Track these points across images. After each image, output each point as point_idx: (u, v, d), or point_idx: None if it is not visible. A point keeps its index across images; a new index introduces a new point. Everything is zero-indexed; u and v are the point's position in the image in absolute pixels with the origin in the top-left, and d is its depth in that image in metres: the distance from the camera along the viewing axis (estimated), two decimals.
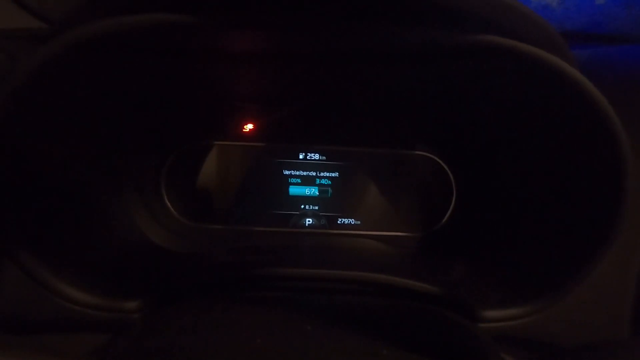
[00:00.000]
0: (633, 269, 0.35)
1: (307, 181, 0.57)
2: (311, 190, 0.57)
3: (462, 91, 0.42)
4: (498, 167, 0.47)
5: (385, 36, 0.28)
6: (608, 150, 0.29)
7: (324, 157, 0.57)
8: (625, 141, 0.29)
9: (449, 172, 0.56)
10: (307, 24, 0.27)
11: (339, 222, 0.57)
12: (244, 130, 0.55)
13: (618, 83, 0.36)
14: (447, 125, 0.54)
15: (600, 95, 0.28)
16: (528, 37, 0.27)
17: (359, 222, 0.57)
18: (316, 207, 0.57)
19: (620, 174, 0.29)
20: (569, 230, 0.35)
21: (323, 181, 0.57)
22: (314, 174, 0.57)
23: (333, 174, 0.57)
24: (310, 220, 0.56)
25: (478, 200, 0.52)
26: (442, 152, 0.56)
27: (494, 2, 0.25)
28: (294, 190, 0.56)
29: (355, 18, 0.26)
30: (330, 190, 0.57)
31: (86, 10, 0.26)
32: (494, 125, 0.45)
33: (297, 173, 0.56)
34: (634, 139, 0.29)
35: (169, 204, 0.54)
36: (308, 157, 0.56)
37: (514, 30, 0.27)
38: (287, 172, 0.56)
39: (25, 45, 0.38)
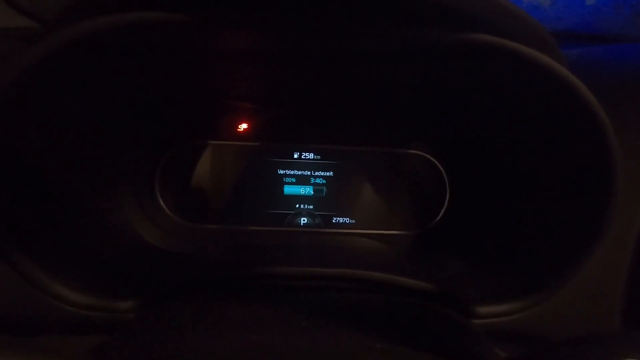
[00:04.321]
0: (623, 263, 0.35)
1: (302, 180, 0.57)
2: (306, 190, 0.57)
3: (454, 90, 0.42)
4: (490, 166, 0.48)
5: (375, 35, 0.28)
6: (597, 148, 0.30)
7: (319, 157, 0.57)
8: (614, 139, 0.29)
9: (443, 170, 0.57)
10: (301, 25, 0.27)
11: (333, 221, 0.57)
12: (238, 129, 0.55)
13: (607, 82, 0.37)
14: (440, 124, 0.54)
15: (589, 94, 0.29)
16: (518, 36, 0.28)
17: (353, 221, 0.57)
18: (311, 206, 0.57)
19: (609, 172, 0.30)
20: (560, 227, 0.36)
21: (318, 180, 0.57)
22: (309, 173, 0.57)
23: (328, 173, 0.57)
24: (305, 219, 0.56)
25: (471, 198, 0.52)
26: (435, 150, 0.57)
27: (484, 2, 0.26)
28: (288, 189, 0.57)
29: (347, 18, 0.26)
30: (325, 189, 0.57)
31: (78, 9, 0.26)
32: (486, 124, 0.45)
33: (292, 172, 0.57)
34: (623, 137, 0.30)
35: (163, 203, 0.54)
36: (303, 157, 0.57)
37: (504, 29, 0.27)
38: (281, 172, 0.56)
39: (16, 44, 0.38)
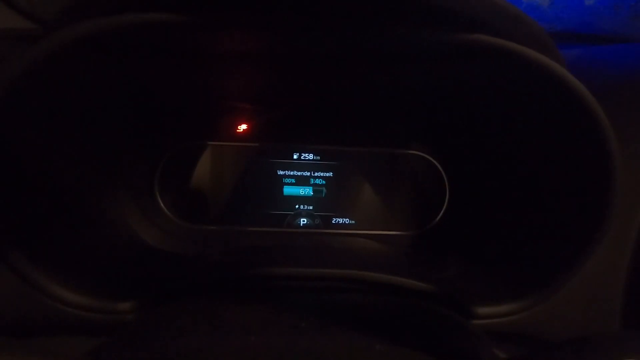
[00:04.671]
0: (622, 264, 0.35)
1: (302, 181, 0.57)
2: (305, 190, 0.57)
3: (454, 91, 0.42)
4: (490, 166, 0.48)
5: (375, 37, 0.28)
6: (596, 148, 0.30)
7: (318, 157, 0.57)
8: (613, 139, 0.29)
9: (442, 171, 0.57)
10: (302, 26, 0.27)
11: (333, 221, 0.57)
12: (238, 130, 0.55)
13: (605, 81, 0.37)
14: (440, 125, 0.54)
15: (588, 94, 0.29)
16: (517, 36, 0.28)
17: (353, 222, 0.57)
18: (310, 207, 0.57)
19: (608, 172, 0.30)
20: (559, 228, 0.36)
21: (317, 181, 0.57)
22: (308, 173, 0.57)
23: (327, 174, 0.57)
24: (305, 220, 0.56)
25: (471, 198, 0.52)
26: (435, 151, 0.57)
27: (483, 2, 0.26)
28: (288, 190, 0.57)
29: (347, 20, 0.26)
30: (324, 190, 0.57)
31: (78, 10, 0.26)
32: (485, 125, 0.45)
33: (292, 173, 0.56)
34: (622, 137, 0.30)
35: (162, 204, 0.54)
36: (302, 157, 0.57)
37: (503, 30, 0.27)
38: (281, 172, 0.56)
39: (15, 45, 0.38)
